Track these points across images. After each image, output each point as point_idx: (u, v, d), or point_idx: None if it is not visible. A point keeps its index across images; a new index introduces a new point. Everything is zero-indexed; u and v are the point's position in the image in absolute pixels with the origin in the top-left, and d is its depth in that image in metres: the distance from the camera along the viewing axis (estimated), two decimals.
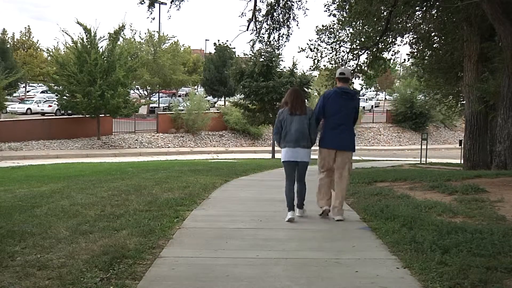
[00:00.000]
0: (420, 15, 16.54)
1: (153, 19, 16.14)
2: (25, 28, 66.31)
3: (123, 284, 3.63)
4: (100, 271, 3.89)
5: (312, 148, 6.14)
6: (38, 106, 40.21)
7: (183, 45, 51.50)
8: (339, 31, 18.55)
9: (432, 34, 17.54)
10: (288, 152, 6.01)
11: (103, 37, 29.85)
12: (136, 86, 43.35)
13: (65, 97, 29.75)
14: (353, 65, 18.10)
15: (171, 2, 16.19)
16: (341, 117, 6.03)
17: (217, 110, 42.89)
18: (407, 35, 17.78)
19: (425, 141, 23.60)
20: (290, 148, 5.98)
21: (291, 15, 17.25)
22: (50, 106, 39.42)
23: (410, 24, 16.79)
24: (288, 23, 17.27)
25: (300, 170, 6.09)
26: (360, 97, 35.17)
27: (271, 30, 17.26)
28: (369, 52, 17.56)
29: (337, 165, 6.12)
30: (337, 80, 6.32)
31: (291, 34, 17.46)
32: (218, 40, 49.47)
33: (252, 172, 12.47)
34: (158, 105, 46.55)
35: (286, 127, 5.98)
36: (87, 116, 29.57)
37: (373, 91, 67.32)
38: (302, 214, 6.16)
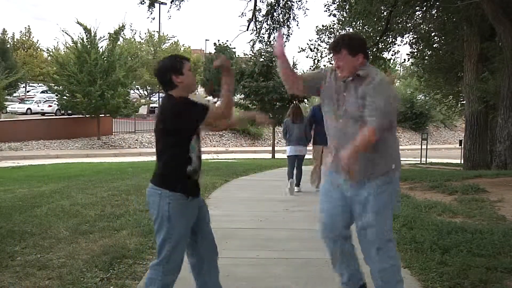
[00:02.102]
0: (420, 15, 16.55)
1: (153, 19, 16.22)
2: (25, 28, 66.48)
3: (123, 284, 3.63)
4: (100, 271, 3.89)
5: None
6: (38, 106, 40.10)
7: (183, 45, 51.25)
8: (339, 31, 18.54)
9: (432, 34, 17.56)
10: (291, 148, 8.47)
11: (103, 37, 29.79)
12: (136, 86, 43.27)
13: (65, 97, 29.68)
14: None
15: (171, 2, 16.23)
16: None
17: None
18: (407, 35, 17.78)
19: (425, 141, 23.55)
20: (293, 146, 8.44)
21: (291, 15, 17.28)
22: (50, 106, 39.31)
23: (410, 24, 16.79)
24: (288, 23, 17.30)
25: (299, 160, 8.53)
26: None
27: (271, 30, 17.28)
28: (369, 52, 17.55)
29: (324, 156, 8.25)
30: None
31: (291, 34, 17.50)
32: (218, 40, 49.18)
33: (252, 172, 12.46)
34: (158, 105, 46.50)
35: (290, 131, 8.46)
36: (87, 116, 29.50)
37: None
38: (299, 190, 8.37)
